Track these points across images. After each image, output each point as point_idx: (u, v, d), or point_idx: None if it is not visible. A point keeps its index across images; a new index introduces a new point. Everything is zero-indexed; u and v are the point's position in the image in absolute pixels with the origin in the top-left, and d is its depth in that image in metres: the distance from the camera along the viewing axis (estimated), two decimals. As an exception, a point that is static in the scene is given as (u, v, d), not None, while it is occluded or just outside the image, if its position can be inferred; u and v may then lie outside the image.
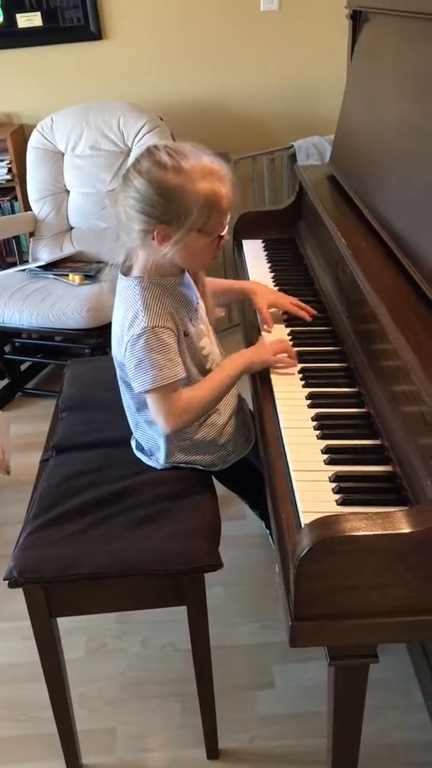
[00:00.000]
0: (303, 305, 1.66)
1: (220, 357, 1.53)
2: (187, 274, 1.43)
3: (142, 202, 1.26)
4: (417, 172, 1.38)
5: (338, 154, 2.05)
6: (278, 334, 1.60)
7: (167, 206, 1.25)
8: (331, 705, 1.11)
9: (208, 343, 1.48)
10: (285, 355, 1.48)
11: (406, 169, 1.44)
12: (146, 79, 3.25)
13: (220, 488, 1.56)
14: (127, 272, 1.40)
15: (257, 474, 1.54)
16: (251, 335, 1.70)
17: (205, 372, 1.47)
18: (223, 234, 1.34)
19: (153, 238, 1.29)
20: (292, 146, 3.17)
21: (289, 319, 1.66)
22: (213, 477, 1.55)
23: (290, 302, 1.66)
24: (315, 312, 1.65)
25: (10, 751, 1.62)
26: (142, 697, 1.71)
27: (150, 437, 1.50)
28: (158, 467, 1.52)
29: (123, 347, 1.35)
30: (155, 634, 1.86)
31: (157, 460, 1.52)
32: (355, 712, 1.12)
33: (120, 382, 1.50)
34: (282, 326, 1.64)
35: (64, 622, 1.42)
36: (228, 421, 1.54)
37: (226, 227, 1.34)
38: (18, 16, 3.10)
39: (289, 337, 1.58)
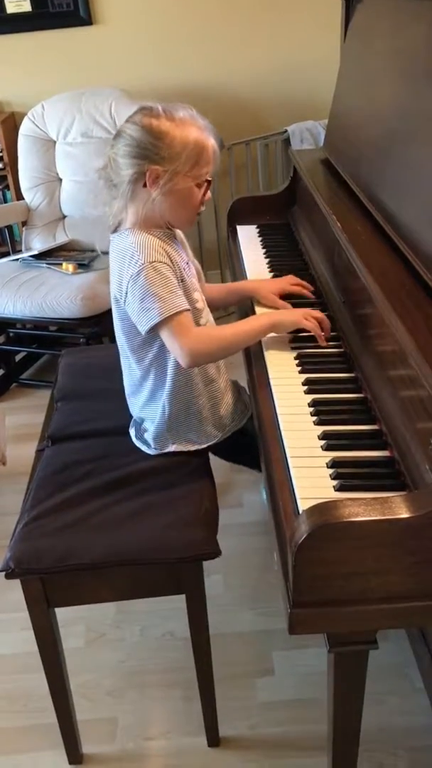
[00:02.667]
0: (300, 281, 1.68)
1: (213, 321, 1.55)
2: (177, 238, 1.46)
3: (135, 147, 1.32)
4: (412, 154, 1.37)
5: (332, 138, 2.03)
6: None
7: (158, 147, 1.31)
8: (330, 692, 1.11)
9: (200, 300, 1.49)
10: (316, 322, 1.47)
11: (401, 151, 1.42)
12: (138, 65, 3.22)
13: (217, 476, 1.56)
14: (116, 230, 1.43)
15: (254, 439, 1.53)
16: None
17: (198, 326, 1.46)
18: (209, 180, 1.39)
19: (144, 185, 1.34)
20: (286, 131, 3.14)
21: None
22: (212, 454, 1.55)
23: (290, 284, 1.67)
24: (311, 287, 1.67)
25: (11, 742, 1.61)
26: (142, 685, 1.71)
27: (155, 411, 1.49)
28: (157, 453, 1.51)
29: (124, 293, 1.36)
30: (154, 623, 1.86)
31: (159, 436, 1.51)
32: (355, 699, 1.12)
33: (123, 357, 1.50)
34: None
35: (62, 612, 1.41)
36: (225, 391, 1.55)
37: (210, 176, 1.40)
38: (6, 1, 3.05)
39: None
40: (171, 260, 1.38)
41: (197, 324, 1.47)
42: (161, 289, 1.33)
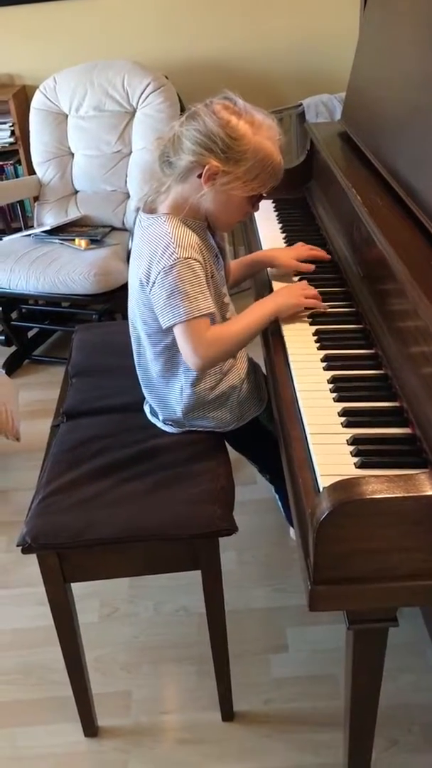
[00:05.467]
0: (313, 247, 1.69)
1: (234, 311, 1.53)
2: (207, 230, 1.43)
3: (206, 137, 1.27)
4: (435, 125, 1.33)
5: (351, 110, 1.99)
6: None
7: (229, 147, 1.27)
8: (349, 669, 1.11)
9: (227, 293, 1.48)
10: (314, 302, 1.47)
11: (424, 122, 1.39)
12: (150, 37, 3.16)
13: (232, 453, 1.55)
14: (151, 212, 1.39)
15: (269, 436, 1.52)
16: (263, 294, 1.66)
17: (225, 320, 1.46)
18: (262, 195, 1.36)
19: (199, 176, 1.30)
20: (301, 105, 3.08)
21: (301, 281, 1.62)
22: (226, 442, 1.53)
23: (307, 250, 1.68)
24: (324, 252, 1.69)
25: (27, 714, 1.63)
26: (156, 660, 1.72)
27: (168, 396, 1.48)
28: (173, 431, 1.50)
29: (150, 282, 1.33)
30: (168, 598, 1.86)
31: (174, 419, 1.50)
32: (374, 676, 1.11)
33: (133, 339, 1.48)
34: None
35: (76, 588, 1.41)
36: (245, 379, 1.53)
37: (266, 192, 1.37)
38: (17, -29, 3.01)
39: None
40: (204, 258, 1.35)
41: (224, 318, 1.46)
42: (192, 287, 1.31)
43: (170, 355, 1.43)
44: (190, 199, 1.33)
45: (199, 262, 1.32)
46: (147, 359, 1.47)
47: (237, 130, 1.27)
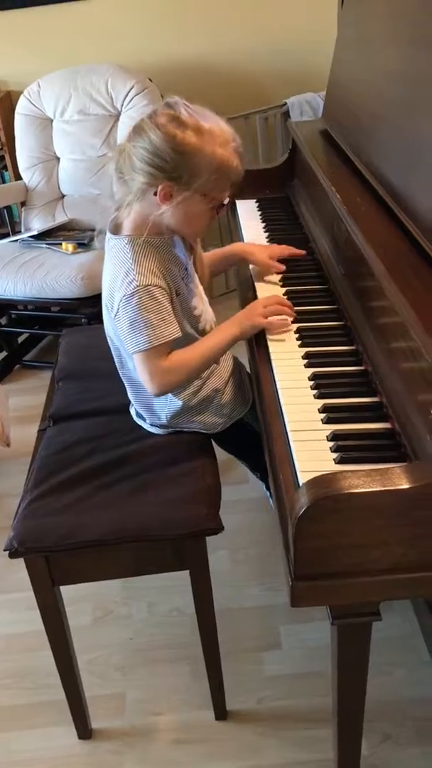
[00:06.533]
0: (290, 248, 1.68)
1: (213, 319, 1.51)
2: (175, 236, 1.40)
3: (154, 155, 1.22)
4: (411, 122, 1.34)
5: (331, 108, 2.00)
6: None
7: (179, 164, 1.22)
8: (334, 664, 1.11)
9: (201, 304, 1.45)
10: (278, 317, 1.43)
11: (400, 120, 1.40)
12: (133, 40, 3.17)
13: (222, 452, 1.55)
14: (116, 230, 1.36)
15: (256, 436, 1.52)
16: (247, 296, 1.67)
17: (199, 332, 1.44)
18: (224, 203, 1.32)
19: (154, 194, 1.26)
20: (285, 104, 3.10)
21: (283, 279, 1.63)
22: (213, 442, 1.54)
23: (283, 248, 1.68)
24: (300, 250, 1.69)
25: (21, 718, 1.63)
26: (149, 661, 1.72)
27: (152, 404, 1.48)
28: (159, 432, 1.51)
29: (114, 308, 1.32)
30: (161, 599, 1.87)
31: (159, 424, 1.50)
32: (359, 670, 1.12)
33: (113, 350, 1.48)
34: (277, 287, 1.61)
35: (69, 591, 1.41)
36: (227, 381, 1.52)
37: (227, 199, 1.32)
38: (-2, -23, 3.01)
39: (285, 297, 1.54)
40: (168, 280, 1.32)
41: (197, 330, 1.44)
42: (153, 315, 1.28)
43: None
44: (151, 217, 1.28)
45: (160, 287, 1.30)
46: (129, 368, 1.47)
47: (184, 144, 1.21)
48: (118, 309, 1.31)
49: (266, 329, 1.42)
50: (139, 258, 1.29)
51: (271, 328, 1.42)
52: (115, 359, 1.50)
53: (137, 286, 1.27)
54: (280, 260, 1.66)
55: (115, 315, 1.33)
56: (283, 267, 1.64)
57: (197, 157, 1.22)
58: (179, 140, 1.21)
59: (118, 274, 1.31)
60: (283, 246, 1.70)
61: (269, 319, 1.43)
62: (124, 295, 1.28)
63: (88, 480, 1.40)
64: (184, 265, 1.40)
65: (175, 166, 1.22)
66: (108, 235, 1.36)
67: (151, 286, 1.28)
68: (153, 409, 1.49)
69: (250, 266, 1.69)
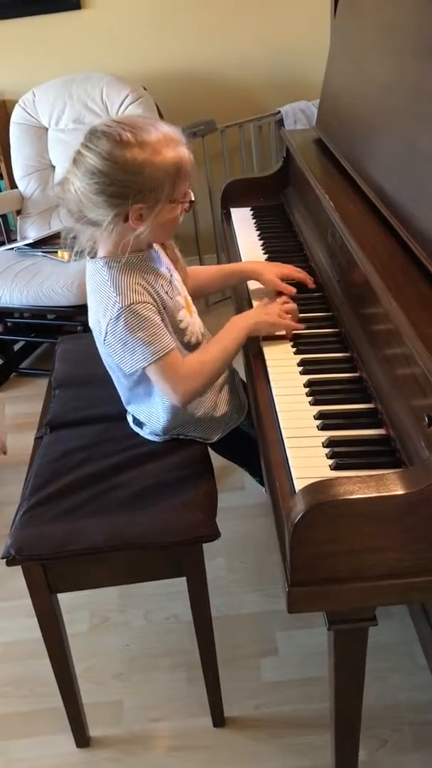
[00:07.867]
0: (300, 270, 1.63)
1: (201, 328, 1.50)
2: (155, 247, 1.40)
3: (111, 185, 1.20)
4: (403, 130, 1.35)
5: (324, 116, 2.01)
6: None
7: (139, 183, 1.20)
8: (332, 669, 1.12)
9: (187, 316, 1.44)
10: (290, 317, 1.44)
11: (392, 128, 1.41)
12: (128, 49, 3.19)
13: (219, 459, 1.55)
14: (93, 254, 1.35)
15: (253, 442, 1.53)
16: (243, 307, 1.68)
17: (185, 345, 1.43)
18: (192, 199, 1.31)
19: (126, 220, 1.25)
20: (279, 112, 3.12)
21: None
22: (210, 449, 1.55)
23: (293, 270, 1.62)
24: (312, 278, 1.62)
25: (19, 726, 1.63)
26: (147, 668, 1.72)
27: (147, 411, 1.49)
28: (155, 440, 1.51)
29: (103, 332, 1.31)
30: (158, 606, 1.87)
31: (156, 432, 1.50)
32: (356, 675, 1.12)
33: (106, 365, 1.48)
34: (272, 295, 1.61)
35: (66, 598, 1.42)
36: (221, 391, 1.53)
37: (192, 194, 1.32)
38: (-6, -13, 3.03)
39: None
40: (150, 293, 1.31)
41: (182, 342, 1.42)
42: (144, 332, 1.27)
43: (147, 383, 1.41)
44: (125, 239, 1.26)
45: (145, 302, 1.29)
46: (123, 384, 1.48)
47: (136, 163, 1.19)
48: (107, 333, 1.30)
49: (279, 329, 1.43)
50: (116, 279, 1.29)
51: (288, 330, 1.43)
52: (110, 373, 1.50)
53: (120, 308, 1.27)
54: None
55: (105, 339, 1.32)
56: (293, 290, 1.56)
57: (152, 170, 1.20)
58: (131, 161, 1.19)
59: (101, 299, 1.30)
60: (294, 267, 1.63)
61: (285, 320, 1.43)
62: (110, 319, 1.28)
63: (85, 487, 1.41)
64: (166, 277, 1.39)
65: (137, 188, 1.21)
66: (87, 260, 1.35)
67: (135, 304, 1.27)
68: (150, 421, 1.50)
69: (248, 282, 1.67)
